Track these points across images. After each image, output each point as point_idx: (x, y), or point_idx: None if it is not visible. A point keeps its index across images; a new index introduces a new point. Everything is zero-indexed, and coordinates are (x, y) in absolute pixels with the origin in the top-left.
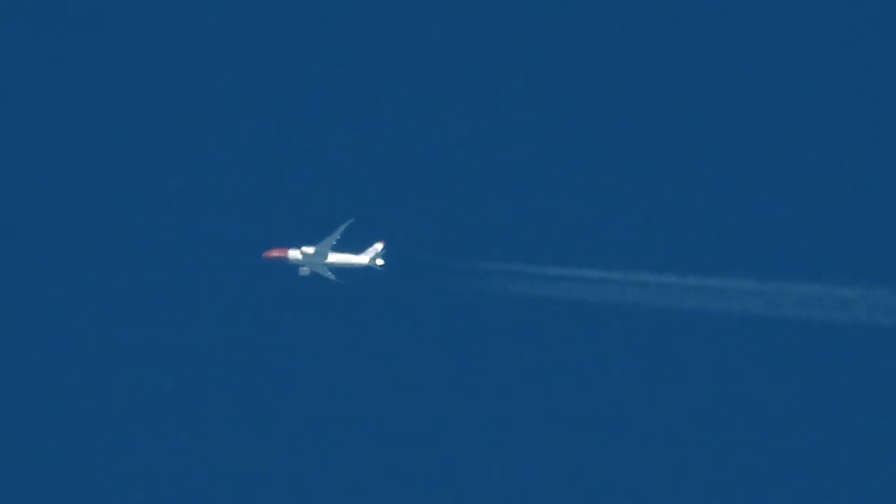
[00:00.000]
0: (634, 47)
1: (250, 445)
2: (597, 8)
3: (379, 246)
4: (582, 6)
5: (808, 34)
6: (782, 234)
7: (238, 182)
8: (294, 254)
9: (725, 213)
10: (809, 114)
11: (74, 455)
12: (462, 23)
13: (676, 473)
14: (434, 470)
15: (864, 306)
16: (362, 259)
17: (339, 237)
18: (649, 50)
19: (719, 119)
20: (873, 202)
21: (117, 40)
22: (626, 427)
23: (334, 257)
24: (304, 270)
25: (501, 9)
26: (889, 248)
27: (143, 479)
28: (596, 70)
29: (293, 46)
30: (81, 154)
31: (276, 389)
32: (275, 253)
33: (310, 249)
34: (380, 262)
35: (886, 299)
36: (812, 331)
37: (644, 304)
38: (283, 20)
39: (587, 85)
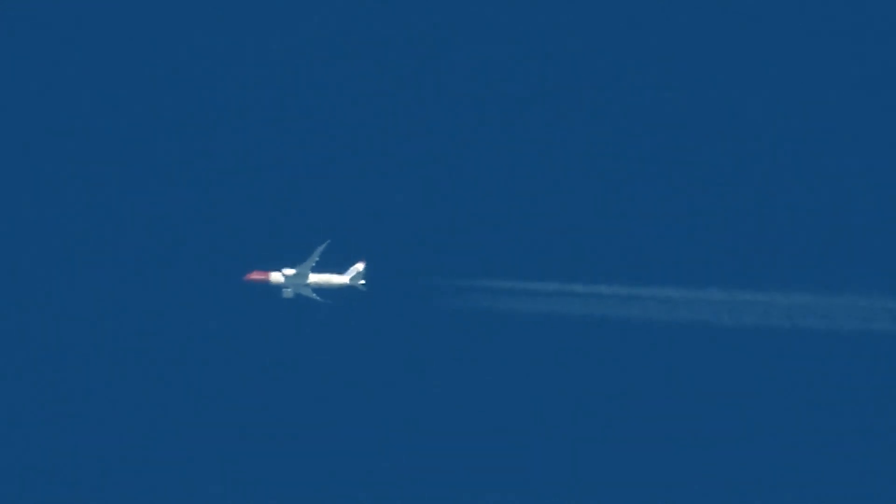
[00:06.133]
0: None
1: (234, 466)
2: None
3: (360, 266)
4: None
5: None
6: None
7: (214, 204)
8: (276, 276)
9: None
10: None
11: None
12: (443, 26)
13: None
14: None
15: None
16: (343, 279)
17: (318, 258)
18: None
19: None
20: None
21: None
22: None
23: (315, 278)
24: (288, 292)
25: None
26: None
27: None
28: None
29: (260, 62)
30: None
31: (266, 407)
32: (256, 275)
33: (290, 271)
34: (362, 281)
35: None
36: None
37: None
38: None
39: (561, 91)
